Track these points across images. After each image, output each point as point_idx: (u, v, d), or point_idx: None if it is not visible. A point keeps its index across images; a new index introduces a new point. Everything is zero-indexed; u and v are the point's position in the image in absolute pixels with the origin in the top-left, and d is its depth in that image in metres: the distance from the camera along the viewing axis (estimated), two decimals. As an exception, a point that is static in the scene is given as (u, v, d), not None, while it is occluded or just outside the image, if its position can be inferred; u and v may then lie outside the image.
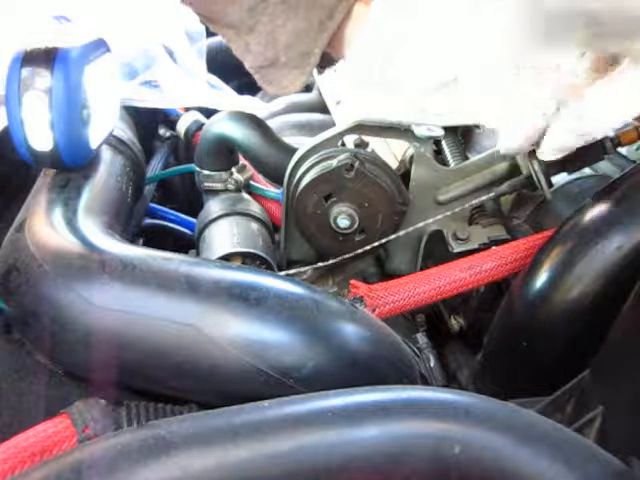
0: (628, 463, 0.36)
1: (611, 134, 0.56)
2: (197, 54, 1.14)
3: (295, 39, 0.53)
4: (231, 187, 0.78)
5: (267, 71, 0.56)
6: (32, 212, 0.53)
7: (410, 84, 0.51)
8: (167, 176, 0.95)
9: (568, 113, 0.48)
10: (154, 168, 0.93)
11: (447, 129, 0.66)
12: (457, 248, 0.64)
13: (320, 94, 1.22)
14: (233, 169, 0.78)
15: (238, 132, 0.74)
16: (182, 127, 0.94)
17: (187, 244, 0.85)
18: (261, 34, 0.54)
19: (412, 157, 0.66)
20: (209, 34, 1.34)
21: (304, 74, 0.55)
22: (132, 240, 0.75)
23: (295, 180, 0.66)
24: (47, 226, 0.50)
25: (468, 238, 0.64)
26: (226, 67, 1.34)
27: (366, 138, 0.71)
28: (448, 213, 0.63)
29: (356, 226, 0.63)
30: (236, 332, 0.44)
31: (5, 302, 0.48)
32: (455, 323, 0.71)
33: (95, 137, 0.60)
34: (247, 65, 0.58)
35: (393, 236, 0.63)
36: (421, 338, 0.69)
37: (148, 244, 0.79)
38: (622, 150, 0.68)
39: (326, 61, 0.56)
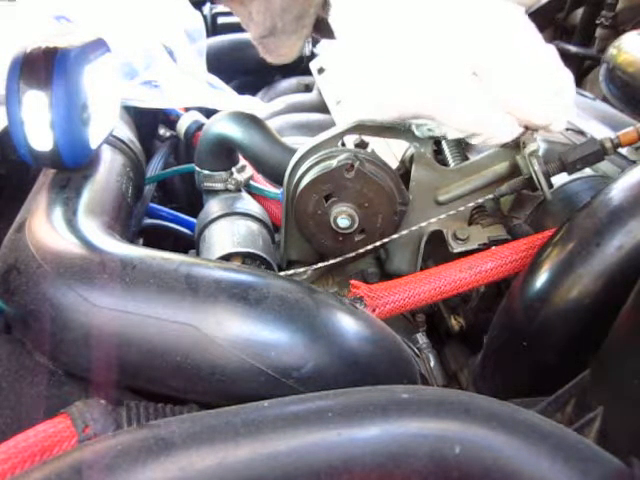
0: (628, 463, 0.35)
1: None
2: (197, 54, 1.15)
3: (290, 1, 0.55)
4: (231, 187, 0.78)
5: (267, 40, 0.59)
6: (32, 212, 0.53)
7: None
8: (167, 176, 0.95)
9: None
10: (154, 168, 0.93)
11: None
12: (457, 248, 0.64)
13: (320, 94, 1.22)
14: (233, 169, 0.78)
15: (238, 132, 0.74)
16: (182, 127, 0.95)
17: (187, 244, 0.85)
18: (260, 0, 0.56)
19: (412, 157, 0.66)
20: (209, 34, 1.34)
21: (300, 39, 0.58)
22: (132, 240, 0.75)
23: (295, 180, 0.66)
24: (47, 226, 0.50)
25: (468, 238, 0.64)
26: (226, 67, 1.35)
27: (366, 138, 0.71)
28: (448, 213, 0.63)
29: (356, 226, 0.63)
30: (236, 332, 0.44)
31: (5, 302, 0.48)
32: (455, 323, 0.71)
33: (95, 137, 0.60)
34: (252, 37, 0.61)
35: (393, 236, 0.63)
36: (421, 338, 0.69)
37: (148, 244, 0.79)
38: (622, 150, 0.68)
39: (321, 26, 0.58)
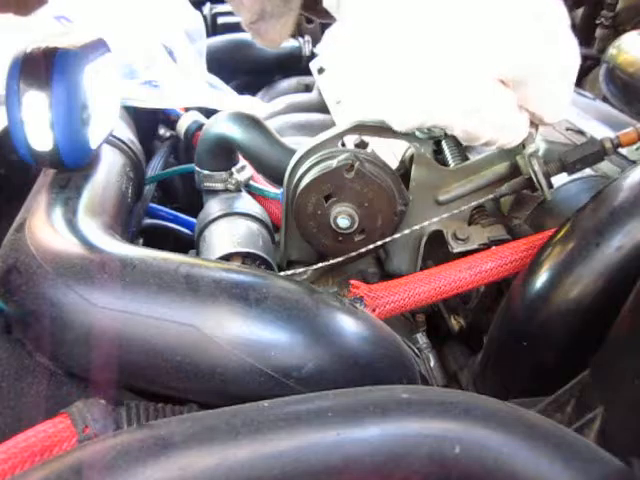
0: (628, 463, 0.36)
1: None
2: (197, 54, 1.15)
3: None
4: (231, 187, 0.78)
5: (257, 25, 0.60)
6: (32, 212, 0.53)
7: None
8: (167, 176, 0.95)
9: None
10: (154, 168, 0.93)
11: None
12: (457, 248, 0.64)
13: (320, 94, 1.22)
14: (233, 169, 0.78)
15: (238, 132, 0.74)
16: (182, 127, 0.94)
17: (187, 244, 0.85)
18: None
19: (412, 157, 0.66)
20: (209, 34, 1.34)
21: (288, 22, 0.59)
22: (132, 240, 0.75)
23: (295, 180, 0.66)
24: (47, 226, 0.50)
25: (468, 238, 0.64)
26: (226, 67, 1.35)
27: (366, 138, 0.71)
28: (448, 214, 0.63)
29: (356, 226, 0.63)
30: (236, 332, 0.44)
31: (5, 302, 0.48)
32: (455, 323, 0.71)
33: (95, 137, 0.60)
34: (243, 23, 0.62)
35: (393, 236, 0.63)
36: (421, 338, 0.69)
37: (148, 244, 0.79)
38: (622, 150, 0.68)
39: (314, 7, 0.59)
